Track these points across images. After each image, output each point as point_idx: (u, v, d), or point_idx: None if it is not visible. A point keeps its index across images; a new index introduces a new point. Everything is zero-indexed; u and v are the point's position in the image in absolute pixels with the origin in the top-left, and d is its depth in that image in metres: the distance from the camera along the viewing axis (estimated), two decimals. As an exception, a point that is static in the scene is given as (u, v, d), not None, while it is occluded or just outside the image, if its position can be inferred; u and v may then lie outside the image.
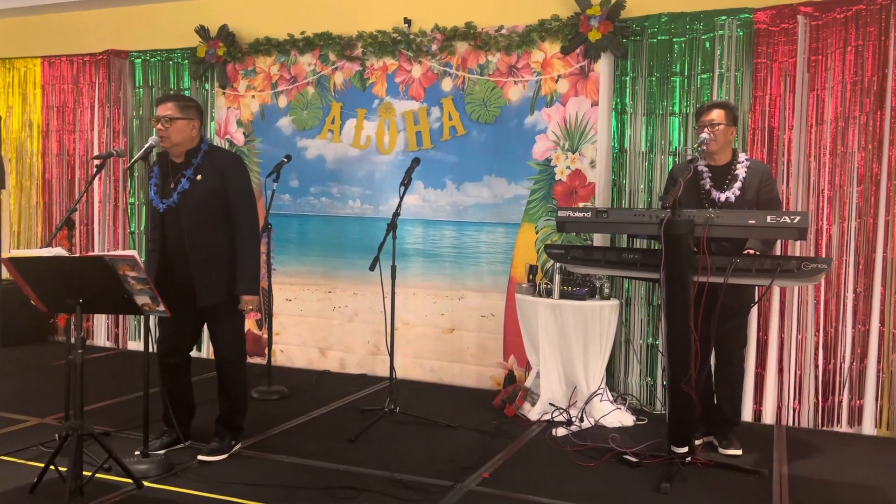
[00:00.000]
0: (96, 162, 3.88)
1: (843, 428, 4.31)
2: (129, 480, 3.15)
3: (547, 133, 4.95)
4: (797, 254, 4.28)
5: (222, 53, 5.74)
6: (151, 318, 3.45)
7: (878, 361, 4.25)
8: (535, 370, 4.50)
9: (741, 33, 4.44)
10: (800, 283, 3.63)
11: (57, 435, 3.11)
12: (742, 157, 3.79)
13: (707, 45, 4.52)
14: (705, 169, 3.79)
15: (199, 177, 3.51)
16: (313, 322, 5.66)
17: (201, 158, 3.55)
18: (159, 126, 3.47)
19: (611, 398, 4.42)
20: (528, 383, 4.54)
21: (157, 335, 3.59)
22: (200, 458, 3.54)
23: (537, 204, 5.00)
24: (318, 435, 4.02)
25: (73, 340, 3.03)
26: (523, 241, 5.04)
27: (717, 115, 3.71)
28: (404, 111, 5.33)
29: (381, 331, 5.02)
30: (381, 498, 3.15)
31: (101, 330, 6.37)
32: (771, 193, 3.74)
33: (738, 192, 3.71)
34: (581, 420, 4.23)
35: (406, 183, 4.30)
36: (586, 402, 4.31)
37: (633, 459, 3.61)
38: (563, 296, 4.40)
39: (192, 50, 5.86)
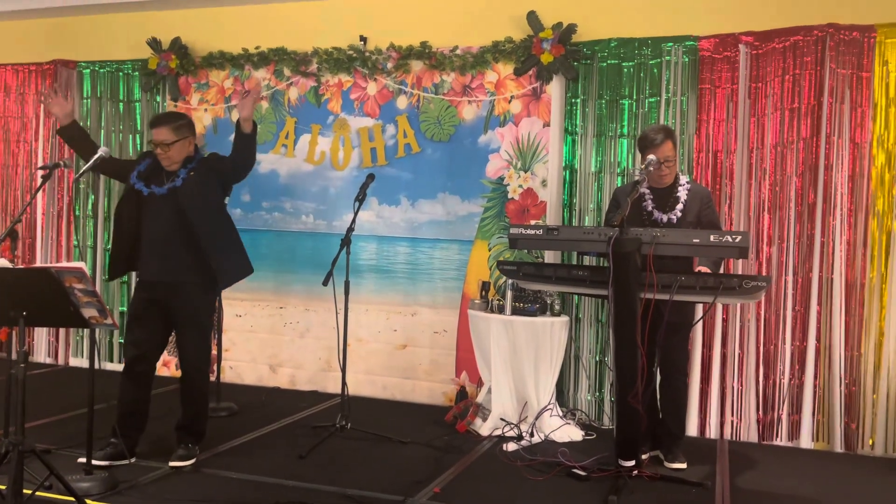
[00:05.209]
0: (41, 173, 3.83)
1: (783, 442, 4.45)
2: (72, 498, 3.07)
3: (500, 152, 5.03)
4: (739, 272, 4.43)
5: (174, 66, 5.68)
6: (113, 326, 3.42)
7: (815, 377, 4.40)
8: (487, 386, 4.53)
9: (687, 60, 4.61)
10: (741, 301, 3.76)
11: (-4, 452, 3.01)
12: (683, 179, 3.89)
13: (655, 70, 4.67)
14: (647, 191, 3.87)
15: (192, 173, 3.66)
16: (264, 338, 5.60)
17: (197, 164, 3.71)
18: (158, 151, 3.62)
19: (560, 413, 4.49)
20: (479, 399, 4.58)
21: (126, 340, 3.67)
22: (172, 464, 3.58)
23: (490, 221, 5.07)
24: (268, 451, 3.97)
25: (14, 355, 2.96)
26: (476, 258, 5.10)
27: (669, 149, 3.72)
28: (359, 128, 5.36)
29: (333, 347, 5.00)
30: (331, 513, 3.14)
31: (41, 345, 6.17)
32: (711, 216, 3.86)
33: (679, 214, 3.81)
34: (531, 435, 4.28)
35: (360, 198, 4.31)
36: (536, 418, 4.36)
37: (582, 473, 3.67)
38: (514, 312, 4.46)
39: (144, 62, 5.79)
